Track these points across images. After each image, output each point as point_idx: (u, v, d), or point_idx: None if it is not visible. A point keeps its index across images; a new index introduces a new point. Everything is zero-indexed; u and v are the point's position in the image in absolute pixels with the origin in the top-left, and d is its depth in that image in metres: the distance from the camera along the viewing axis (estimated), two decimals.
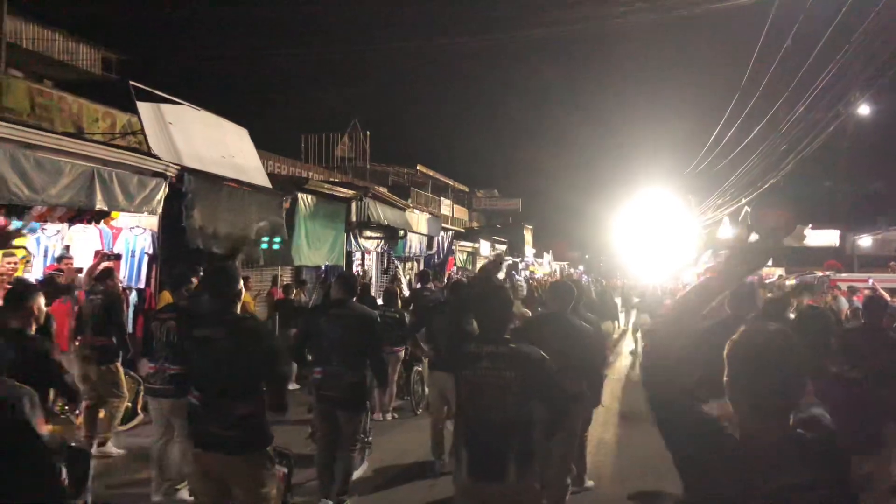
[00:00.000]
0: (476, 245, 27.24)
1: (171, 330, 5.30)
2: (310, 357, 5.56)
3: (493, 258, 15.42)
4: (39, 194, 6.68)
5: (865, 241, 31.23)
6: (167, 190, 8.46)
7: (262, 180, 11.55)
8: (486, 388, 3.34)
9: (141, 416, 7.76)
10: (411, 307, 10.19)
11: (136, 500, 5.64)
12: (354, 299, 5.62)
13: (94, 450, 6.75)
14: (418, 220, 18.07)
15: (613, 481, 6.52)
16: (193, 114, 10.82)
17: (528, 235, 39.93)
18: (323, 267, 12.97)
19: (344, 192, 14.03)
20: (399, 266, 17.84)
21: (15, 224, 7.71)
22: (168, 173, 8.63)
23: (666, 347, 2.01)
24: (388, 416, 8.67)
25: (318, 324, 5.41)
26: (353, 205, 14.02)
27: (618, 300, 22.16)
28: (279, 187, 11.73)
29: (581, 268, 47.85)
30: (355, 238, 14.55)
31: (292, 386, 10.57)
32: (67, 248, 8.51)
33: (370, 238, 15.60)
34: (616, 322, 17.69)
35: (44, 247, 8.43)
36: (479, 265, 27.26)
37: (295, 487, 5.22)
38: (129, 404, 7.53)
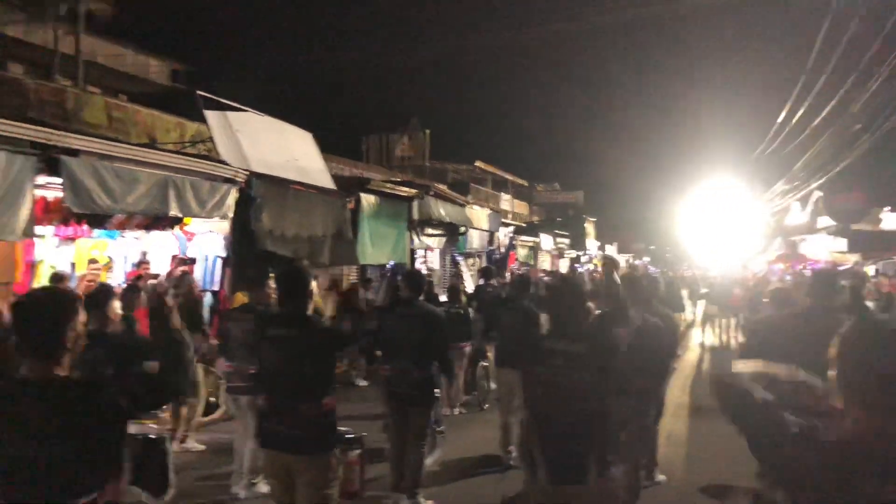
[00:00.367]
0: (537, 239, 27.08)
1: (247, 330, 5.51)
2: (379, 353, 5.71)
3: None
4: (119, 203, 7.00)
5: None
6: (237, 195, 8.73)
7: (327, 182, 11.80)
8: (561, 386, 3.20)
9: (222, 409, 8.10)
10: (474, 303, 10.27)
11: (218, 492, 5.90)
12: (421, 297, 5.74)
13: (175, 445, 7.08)
14: (479, 216, 18.11)
15: (685, 474, 6.44)
16: (258, 120, 11.14)
17: (590, 228, 39.48)
18: (388, 265, 13.17)
19: (405, 190, 14.20)
20: (462, 262, 17.93)
21: (97, 232, 8.13)
22: (237, 179, 8.91)
23: (770, 344, 1.94)
24: (456, 412, 8.77)
25: (386, 321, 5.55)
26: (415, 203, 14.17)
27: (685, 291, 21.77)
28: (342, 188, 11.97)
29: (647, 259, 47.02)
30: (417, 236, 14.71)
31: (362, 382, 10.81)
32: (145, 253, 8.91)
33: (432, 235, 15.73)
34: (683, 314, 17.39)
35: (123, 253, 8.86)
36: (540, 260, 27.17)
37: (369, 481, 5.38)
38: (213, 399, 7.87)
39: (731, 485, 5.89)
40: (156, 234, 8.82)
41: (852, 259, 21.21)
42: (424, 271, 14.77)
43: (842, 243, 22.27)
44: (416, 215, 14.15)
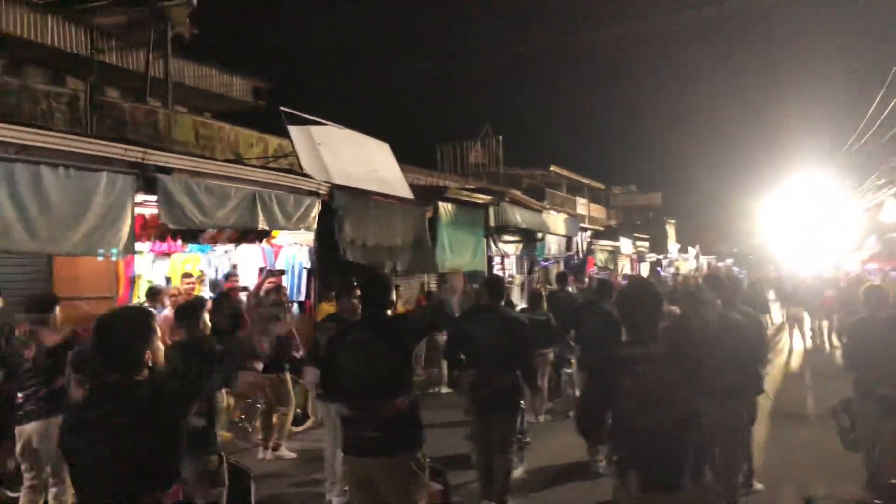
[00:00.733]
0: (616, 243, 26.64)
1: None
2: (463, 358, 5.72)
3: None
4: (210, 218, 7.29)
5: None
6: (320, 207, 8.95)
7: (405, 192, 11.97)
8: (648, 393, 3.09)
9: (312, 419, 8.29)
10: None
11: (311, 499, 6.05)
12: (502, 303, 5.73)
13: (268, 454, 7.30)
14: (556, 221, 17.97)
15: (784, 483, 6.18)
16: (338, 133, 11.41)
17: (670, 230, 38.58)
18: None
19: (482, 198, 14.25)
20: (541, 268, 17.83)
21: (190, 247, 8.47)
22: (320, 191, 9.14)
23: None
24: (541, 419, 8.69)
25: (468, 328, 5.55)
26: (491, 210, 14.20)
27: (771, 293, 20.95)
28: (420, 197, 12.13)
29: (730, 260, 45.55)
30: (494, 242, 14.73)
31: (444, 389, 10.86)
32: (235, 266, 9.22)
33: (509, 242, 15.71)
34: (769, 316, 16.76)
35: (214, 267, 9.19)
36: (620, 264, 26.70)
37: (456, 488, 5.40)
38: (299, 410, 8.07)
39: (836, 494, 5.62)
40: (244, 248, 9.12)
41: None
42: (510, 279, 14.77)
43: None
44: (492, 222, 14.18)
